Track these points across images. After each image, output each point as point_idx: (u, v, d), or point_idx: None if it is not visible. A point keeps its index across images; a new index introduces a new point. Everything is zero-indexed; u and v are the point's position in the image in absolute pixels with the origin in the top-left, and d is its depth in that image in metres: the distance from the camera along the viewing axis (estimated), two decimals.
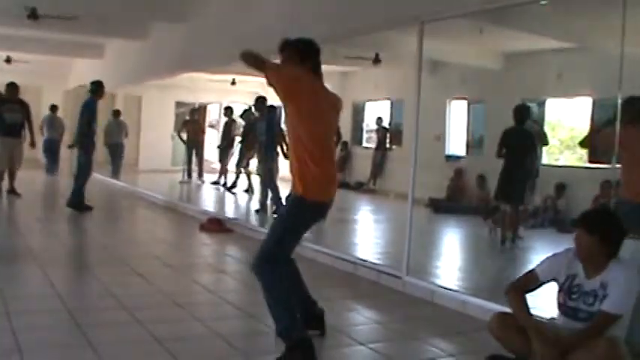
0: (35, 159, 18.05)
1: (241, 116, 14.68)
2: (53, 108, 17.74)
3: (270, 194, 10.73)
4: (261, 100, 11.23)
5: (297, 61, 4.29)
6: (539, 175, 9.55)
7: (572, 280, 3.77)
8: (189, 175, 16.53)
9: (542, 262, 3.95)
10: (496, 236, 8.87)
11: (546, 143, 10.59)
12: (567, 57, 10.66)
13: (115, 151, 16.89)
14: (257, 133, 11.19)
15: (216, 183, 15.79)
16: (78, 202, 10.71)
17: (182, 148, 17.00)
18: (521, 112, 8.67)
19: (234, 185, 14.58)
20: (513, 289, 3.92)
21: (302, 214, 4.27)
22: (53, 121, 17.71)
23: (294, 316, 4.13)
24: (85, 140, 10.90)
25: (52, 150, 17.89)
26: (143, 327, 4.64)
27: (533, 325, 3.73)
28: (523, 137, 8.62)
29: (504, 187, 8.57)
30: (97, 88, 10.97)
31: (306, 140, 4.15)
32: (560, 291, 3.82)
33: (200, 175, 16.64)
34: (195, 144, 16.58)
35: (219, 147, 16.15)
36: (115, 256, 7.57)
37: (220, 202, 14.22)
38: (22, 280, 6.18)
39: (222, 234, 9.30)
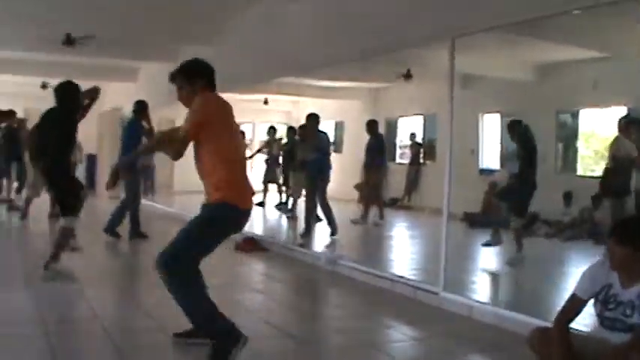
0: None
1: (287, 136, 14.43)
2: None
3: (318, 214, 10.66)
4: (313, 118, 10.48)
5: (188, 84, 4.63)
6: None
7: (608, 290, 3.70)
8: None
9: (581, 282, 3.81)
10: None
11: None
12: (601, 67, 10.57)
13: (148, 173, 17.25)
14: (300, 153, 10.59)
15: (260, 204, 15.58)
16: (134, 229, 10.74)
17: None
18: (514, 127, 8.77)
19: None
20: (559, 325, 3.75)
21: None
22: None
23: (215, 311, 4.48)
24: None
25: None
26: (184, 349, 4.68)
27: None
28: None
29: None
30: (139, 108, 10.62)
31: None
32: (596, 302, 3.75)
33: None
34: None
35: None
36: (153, 278, 7.61)
37: (256, 221, 14.24)
38: (61, 302, 6.20)
39: (258, 253, 9.34)
